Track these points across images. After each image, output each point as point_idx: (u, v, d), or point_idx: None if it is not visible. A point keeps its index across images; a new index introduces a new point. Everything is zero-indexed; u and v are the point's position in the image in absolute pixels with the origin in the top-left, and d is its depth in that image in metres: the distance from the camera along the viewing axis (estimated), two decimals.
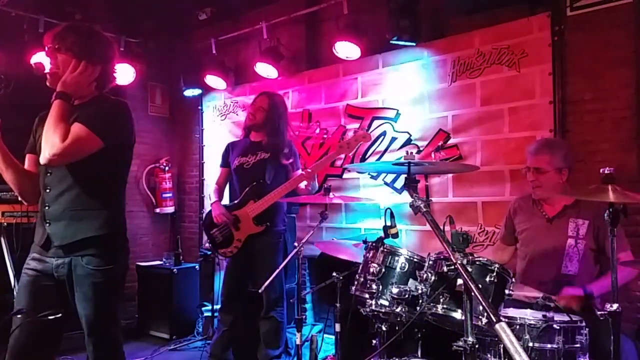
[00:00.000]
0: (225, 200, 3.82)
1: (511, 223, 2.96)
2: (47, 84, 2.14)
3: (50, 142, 1.96)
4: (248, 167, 3.54)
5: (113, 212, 2.19)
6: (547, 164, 2.71)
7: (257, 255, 3.43)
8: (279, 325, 3.43)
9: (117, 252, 2.19)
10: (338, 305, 2.89)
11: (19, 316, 2.05)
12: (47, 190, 2.14)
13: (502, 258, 2.98)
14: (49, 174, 2.14)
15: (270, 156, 3.50)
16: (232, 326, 3.54)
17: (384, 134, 4.10)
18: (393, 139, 4.04)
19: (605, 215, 2.02)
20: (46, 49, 2.16)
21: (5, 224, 3.60)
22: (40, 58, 3.87)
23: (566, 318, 2.18)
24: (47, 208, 2.13)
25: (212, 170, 5.38)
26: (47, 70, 2.14)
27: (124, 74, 4.77)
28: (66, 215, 2.10)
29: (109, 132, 2.07)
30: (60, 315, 2.03)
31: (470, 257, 1.98)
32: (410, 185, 1.91)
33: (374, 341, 2.49)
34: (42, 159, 2.01)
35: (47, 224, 2.12)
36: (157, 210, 5.57)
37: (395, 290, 2.22)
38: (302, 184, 3.45)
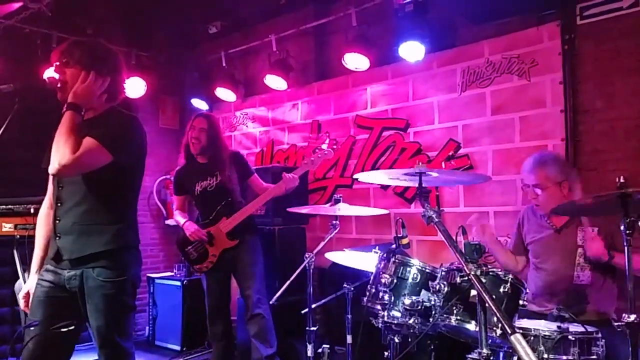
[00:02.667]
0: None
1: (520, 233, 2.94)
2: (58, 97, 2.16)
3: (60, 153, 1.98)
4: (212, 189, 3.57)
5: (123, 227, 2.18)
6: (544, 179, 2.71)
7: (235, 266, 3.52)
8: (266, 322, 3.45)
9: (129, 264, 2.18)
10: (349, 316, 2.87)
11: (32, 328, 2.06)
12: (59, 204, 2.16)
13: (516, 268, 2.96)
14: (60, 188, 2.16)
15: (229, 172, 3.55)
16: (224, 336, 3.58)
17: (393, 144, 4.10)
18: (403, 149, 4.04)
19: (622, 226, 1.99)
20: (54, 65, 2.18)
21: (17, 236, 3.62)
22: (53, 73, 3.91)
23: (581, 329, 2.15)
24: (58, 221, 2.14)
25: None
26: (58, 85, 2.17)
27: (135, 87, 4.83)
28: (75, 229, 2.11)
29: (119, 147, 2.08)
30: (73, 327, 2.03)
31: (484, 268, 1.96)
32: (422, 195, 1.90)
33: (386, 353, 2.46)
34: (51, 169, 2.01)
35: (58, 238, 2.13)
36: (168, 221, 5.59)
37: (407, 301, 2.20)
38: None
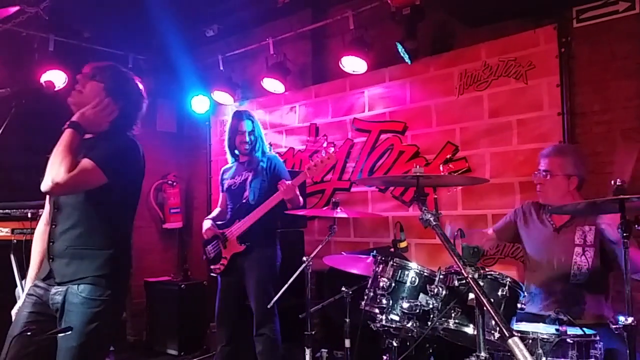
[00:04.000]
0: None
1: (514, 222, 2.91)
2: (67, 100, 2.18)
3: (55, 170, 1.95)
4: (235, 188, 3.60)
5: (116, 253, 2.13)
6: (557, 167, 2.70)
7: (245, 272, 3.45)
8: (272, 342, 3.37)
9: (115, 286, 2.11)
10: (347, 320, 2.87)
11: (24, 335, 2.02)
12: (54, 226, 2.13)
13: (480, 242, 2.93)
14: (56, 210, 2.14)
15: (254, 174, 3.53)
16: (229, 341, 3.55)
17: (391, 147, 4.10)
18: (400, 152, 4.04)
19: (618, 228, 1.99)
20: (80, 72, 2.21)
21: (15, 241, 3.61)
22: (51, 76, 3.91)
23: (579, 332, 2.15)
24: (51, 244, 2.12)
25: None
26: (58, 86, 2.17)
27: None
28: (68, 253, 2.07)
29: (115, 169, 2.06)
30: (69, 332, 1.99)
31: (482, 271, 1.96)
32: (419, 198, 1.90)
33: (384, 357, 2.46)
34: (44, 186, 1.98)
35: (51, 260, 2.10)
36: (165, 225, 5.57)
37: (405, 305, 2.20)
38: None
